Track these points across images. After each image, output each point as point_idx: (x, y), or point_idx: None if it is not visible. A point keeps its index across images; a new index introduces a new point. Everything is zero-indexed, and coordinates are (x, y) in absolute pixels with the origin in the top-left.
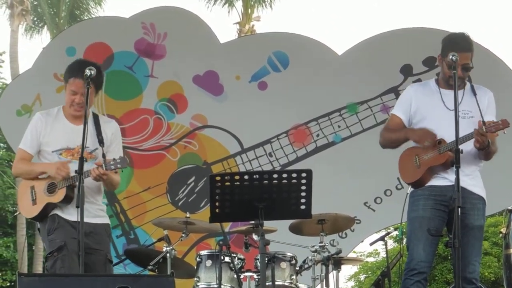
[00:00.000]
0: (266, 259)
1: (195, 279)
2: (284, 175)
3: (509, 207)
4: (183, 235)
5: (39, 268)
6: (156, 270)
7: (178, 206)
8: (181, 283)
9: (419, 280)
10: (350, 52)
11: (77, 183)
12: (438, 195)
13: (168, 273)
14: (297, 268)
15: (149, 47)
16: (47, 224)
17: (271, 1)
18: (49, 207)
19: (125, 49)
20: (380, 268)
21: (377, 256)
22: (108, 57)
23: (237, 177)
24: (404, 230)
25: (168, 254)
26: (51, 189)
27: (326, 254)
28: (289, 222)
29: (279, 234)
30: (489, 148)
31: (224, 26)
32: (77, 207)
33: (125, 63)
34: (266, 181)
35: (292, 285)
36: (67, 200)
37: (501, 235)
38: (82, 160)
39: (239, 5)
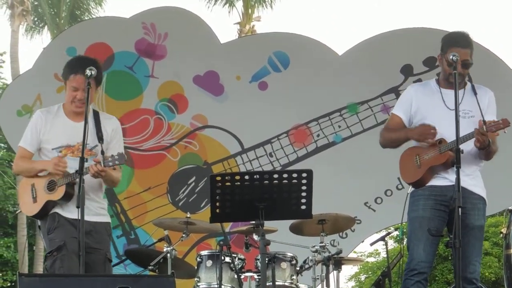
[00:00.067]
0: (267, 259)
1: (196, 279)
2: (285, 175)
3: (510, 207)
4: (183, 235)
5: (39, 269)
6: (157, 271)
7: (179, 206)
8: (181, 283)
9: (420, 281)
10: (350, 52)
11: (76, 180)
12: (438, 195)
13: (169, 273)
14: (298, 268)
15: (149, 47)
16: (47, 223)
17: (271, 1)
18: (49, 204)
19: (125, 49)
20: (380, 268)
21: (377, 256)
22: (108, 57)
23: (237, 177)
24: (405, 230)
25: (168, 254)
26: (51, 186)
27: (326, 254)
28: (289, 222)
29: (280, 234)
30: (489, 148)
31: (224, 26)
32: (78, 207)
33: (126, 63)
34: (267, 181)
35: (293, 285)
36: (67, 197)
37: (501, 235)
38: (82, 161)
39: (239, 5)
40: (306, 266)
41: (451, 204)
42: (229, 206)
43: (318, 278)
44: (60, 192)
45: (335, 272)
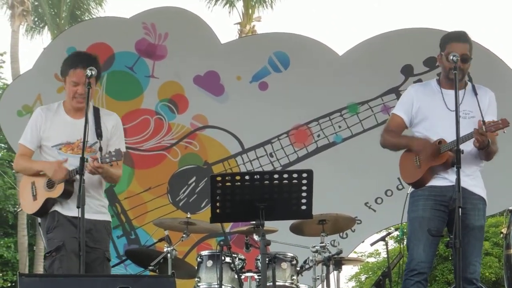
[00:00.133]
0: (267, 259)
1: (196, 279)
2: (285, 175)
3: (510, 208)
4: (184, 235)
5: (39, 269)
6: (157, 271)
7: (179, 206)
8: (182, 284)
9: (420, 281)
10: (350, 52)
11: (75, 177)
12: (438, 196)
13: (169, 273)
14: (298, 269)
15: (150, 47)
16: (47, 222)
17: (271, 2)
18: (49, 202)
19: (126, 49)
20: (381, 268)
21: (378, 256)
22: (109, 58)
23: (238, 178)
24: (405, 230)
25: (169, 255)
26: (51, 184)
27: (327, 254)
28: (290, 222)
29: (280, 234)
30: (489, 148)
31: (224, 26)
32: (78, 207)
33: (126, 64)
34: (267, 182)
35: (293, 286)
36: (66, 194)
37: (501, 235)
38: (83, 161)
39: (239, 5)
40: (307, 266)
41: (451, 204)
42: (229, 206)
43: (318, 278)
44: (59, 189)
45: (335, 272)
